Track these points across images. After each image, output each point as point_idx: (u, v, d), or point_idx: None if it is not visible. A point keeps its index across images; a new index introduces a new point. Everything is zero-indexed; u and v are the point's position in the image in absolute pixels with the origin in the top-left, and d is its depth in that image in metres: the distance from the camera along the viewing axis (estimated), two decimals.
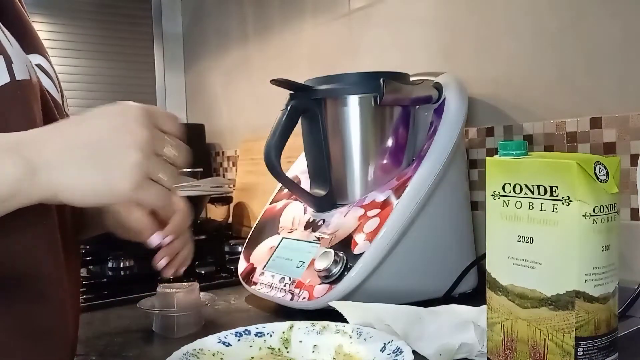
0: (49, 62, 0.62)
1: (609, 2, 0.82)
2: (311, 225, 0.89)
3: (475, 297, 0.83)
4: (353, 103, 0.89)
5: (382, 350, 0.60)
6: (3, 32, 0.55)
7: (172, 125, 0.50)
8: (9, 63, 0.53)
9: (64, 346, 0.60)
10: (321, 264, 0.79)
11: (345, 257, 0.79)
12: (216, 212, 1.60)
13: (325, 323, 0.67)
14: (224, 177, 1.87)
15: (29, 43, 0.61)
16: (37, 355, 0.55)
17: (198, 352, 0.62)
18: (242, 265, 0.95)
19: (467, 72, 1.00)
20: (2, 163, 0.43)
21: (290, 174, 1.02)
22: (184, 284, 0.80)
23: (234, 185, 1.64)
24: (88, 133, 0.45)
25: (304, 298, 0.79)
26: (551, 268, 0.51)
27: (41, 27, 1.94)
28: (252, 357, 0.64)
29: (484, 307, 0.58)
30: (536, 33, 0.92)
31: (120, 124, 0.46)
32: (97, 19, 2.03)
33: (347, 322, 0.68)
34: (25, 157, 0.43)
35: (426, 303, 0.74)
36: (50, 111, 0.59)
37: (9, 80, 0.52)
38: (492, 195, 0.55)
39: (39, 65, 0.62)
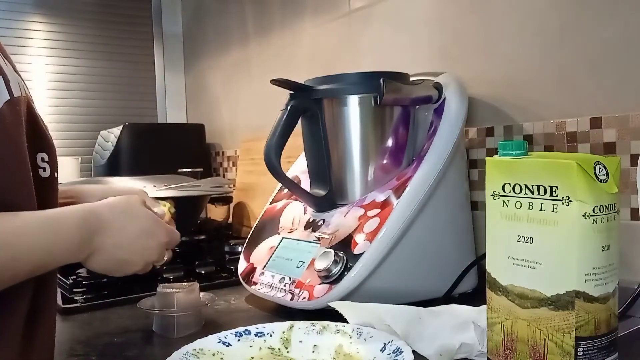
0: (21, 78, 0.65)
1: (609, 2, 0.82)
2: (311, 225, 0.89)
3: (475, 297, 0.83)
4: (353, 103, 0.89)
5: (382, 350, 0.60)
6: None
7: (176, 244, 0.72)
8: (7, 82, 0.57)
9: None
10: (321, 264, 0.79)
11: (345, 257, 0.79)
12: (216, 212, 1.60)
13: (325, 323, 0.67)
14: (224, 177, 1.87)
15: (11, 63, 0.64)
16: None
17: (198, 352, 0.62)
18: (242, 265, 0.95)
19: (467, 72, 1.00)
20: (84, 246, 0.59)
21: (290, 174, 1.02)
22: (184, 284, 0.80)
23: (234, 185, 1.64)
24: (129, 241, 0.64)
25: (304, 298, 0.79)
26: (551, 268, 0.51)
27: (41, 27, 1.95)
28: (252, 357, 0.64)
29: (484, 307, 0.58)
30: (536, 33, 0.92)
31: (152, 245, 0.66)
32: (97, 19, 2.03)
33: (347, 322, 0.68)
34: (93, 243, 0.60)
35: (426, 303, 0.74)
36: (36, 121, 0.63)
37: (8, 97, 0.57)
38: (492, 195, 0.55)
39: None
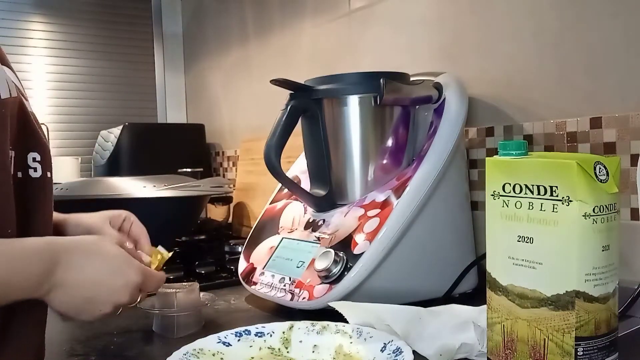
0: (14, 72, 0.64)
1: (609, 2, 0.82)
2: (311, 225, 0.89)
3: (475, 297, 0.83)
4: (353, 103, 0.89)
5: (382, 350, 0.60)
6: None
7: (156, 288, 0.67)
8: None
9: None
10: (321, 264, 0.79)
11: (345, 257, 0.79)
12: (216, 212, 1.60)
13: (325, 323, 0.67)
14: (224, 177, 1.87)
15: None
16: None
17: (198, 352, 0.62)
18: (242, 265, 0.95)
19: (467, 72, 1.00)
20: (44, 280, 0.55)
21: (290, 174, 1.02)
22: (184, 284, 0.80)
23: (234, 185, 1.64)
24: (94, 278, 0.59)
25: (304, 298, 0.79)
26: (551, 268, 0.51)
27: (41, 27, 1.95)
28: (252, 357, 0.64)
29: (484, 307, 0.58)
30: (536, 33, 0.92)
31: (119, 285, 0.60)
32: (97, 19, 2.03)
33: (347, 322, 0.68)
34: (54, 277, 0.56)
35: (426, 303, 0.74)
36: (27, 121, 0.62)
37: None
38: (492, 195, 0.55)
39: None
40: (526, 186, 0.52)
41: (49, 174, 0.64)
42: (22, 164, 0.60)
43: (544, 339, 0.52)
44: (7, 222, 0.57)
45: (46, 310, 0.64)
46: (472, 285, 0.90)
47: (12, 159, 0.59)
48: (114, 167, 1.71)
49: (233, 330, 0.66)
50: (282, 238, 0.92)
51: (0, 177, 0.56)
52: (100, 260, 0.60)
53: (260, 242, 0.95)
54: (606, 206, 0.50)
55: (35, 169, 0.62)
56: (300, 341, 0.66)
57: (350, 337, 0.64)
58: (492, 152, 0.99)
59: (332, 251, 0.79)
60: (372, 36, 1.24)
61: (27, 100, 0.64)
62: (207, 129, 1.92)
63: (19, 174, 0.60)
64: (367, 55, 1.26)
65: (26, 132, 0.61)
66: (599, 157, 0.51)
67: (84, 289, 0.58)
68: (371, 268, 0.79)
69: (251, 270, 0.92)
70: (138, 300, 0.64)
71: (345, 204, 0.89)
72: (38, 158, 0.62)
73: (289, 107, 0.87)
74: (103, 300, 0.59)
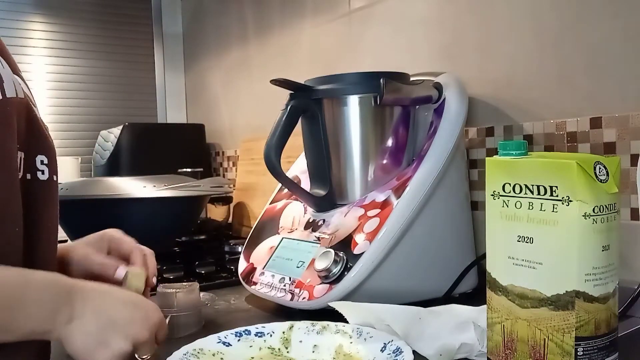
0: (24, 81, 0.64)
1: (609, 2, 0.82)
2: (311, 225, 0.89)
3: (475, 297, 0.83)
4: (353, 103, 0.89)
5: (382, 350, 0.60)
6: None
7: (162, 336, 0.62)
8: (0, 82, 0.56)
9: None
10: (321, 264, 0.79)
11: (345, 257, 0.79)
12: (216, 212, 1.60)
13: (325, 323, 0.67)
14: (224, 177, 1.87)
15: (11, 64, 0.63)
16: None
17: (198, 352, 0.62)
18: (242, 265, 0.95)
19: (467, 72, 1.00)
20: (60, 310, 0.53)
21: (290, 174, 1.02)
22: (184, 284, 0.80)
23: (234, 185, 1.64)
24: (113, 308, 0.57)
25: (304, 298, 0.79)
26: (551, 268, 0.51)
27: (41, 27, 1.95)
28: (252, 357, 0.64)
29: (484, 307, 0.58)
30: (536, 33, 0.92)
31: (139, 317, 0.58)
32: (97, 19, 2.03)
33: (347, 322, 0.68)
34: (72, 308, 0.54)
35: (426, 303, 0.74)
36: (35, 124, 0.62)
37: (0, 97, 0.55)
38: (492, 195, 0.55)
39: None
40: (526, 186, 0.52)
41: (55, 177, 0.64)
42: (31, 166, 0.61)
43: (544, 339, 0.52)
44: (14, 221, 0.57)
45: None
46: (472, 285, 0.90)
47: (22, 160, 0.59)
48: (114, 167, 1.71)
49: (233, 330, 0.66)
50: (282, 238, 0.92)
51: (6, 175, 0.56)
52: (117, 294, 0.59)
53: (260, 242, 0.95)
54: (606, 206, 0.50)
55: (43, 172, 0.62)
56: (300, 341, 0.66)
57: (350, 337, 0.64)
58: (492, 152, 0.99)
59: (332, 251, 0.79)
60: (372, 36, 1.24)
61: (35, 107, 0.64)
62: (207, 129, 1.92)
63: (28, 176, 0.60)
64: (367, 55, 1.26)
65: (34, 135, 0.62)
66: (599, 157, 0.51)
67: (102, 319, 0.55)
68: (371, 268, 0.79)
69: (251, 270, 0.92)
70: (152, 352, 0.60)
71: (345, 204, 0.89)
72: (45, 161, 0.62)
73: (289, 107, 0.87)
74: (122, 331, 0.56)
